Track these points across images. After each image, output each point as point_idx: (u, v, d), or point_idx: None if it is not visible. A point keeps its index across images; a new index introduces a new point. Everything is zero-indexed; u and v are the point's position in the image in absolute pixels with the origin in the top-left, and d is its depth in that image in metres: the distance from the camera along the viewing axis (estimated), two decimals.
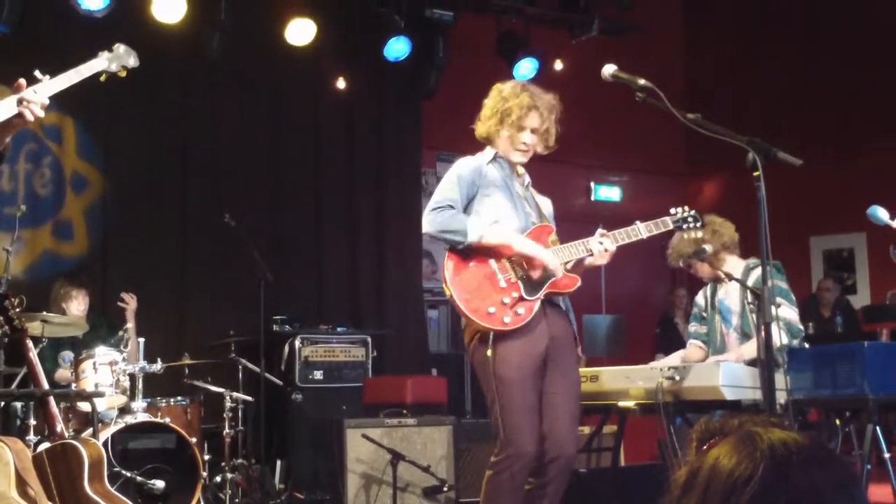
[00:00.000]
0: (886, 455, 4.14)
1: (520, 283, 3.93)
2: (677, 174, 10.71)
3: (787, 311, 4.76)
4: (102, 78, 3.58)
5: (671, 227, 4.20)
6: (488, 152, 4.14)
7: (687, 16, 11.11)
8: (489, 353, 3.84)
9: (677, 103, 3.51)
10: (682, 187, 10.57)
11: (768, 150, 3.33)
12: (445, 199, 3.99)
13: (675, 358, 5.19)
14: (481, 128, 4.15)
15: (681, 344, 8.90)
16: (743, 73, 10.33)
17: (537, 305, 3.90)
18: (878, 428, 4.08)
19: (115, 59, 3.60)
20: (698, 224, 4.27)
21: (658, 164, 10.52)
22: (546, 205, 4.25)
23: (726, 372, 4.28)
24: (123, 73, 3.63)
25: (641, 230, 4.07)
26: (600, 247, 4.00)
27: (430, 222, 3.99)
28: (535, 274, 3.93)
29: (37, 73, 3.28)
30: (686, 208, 4.27)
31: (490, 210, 4.01)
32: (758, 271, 4.87)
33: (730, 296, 5.00)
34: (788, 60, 10.01)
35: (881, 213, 4.30)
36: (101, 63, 3.57)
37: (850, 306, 9.19)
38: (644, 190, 10.42)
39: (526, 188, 4.20)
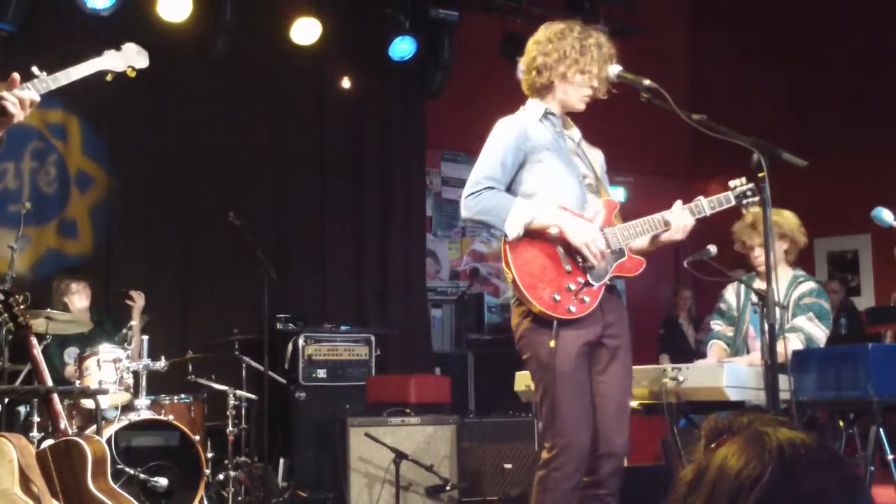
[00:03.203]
0: (890, 457, 4.13)
1: (586, 267, 3.60)
2: (682, 175, 10.70)
3: (814, 329, 4.69)
4: (109, 77, 3.45)
5: (733, 202, 3.74)
6: (536, 108, 3.73)
7: (691, 18, 11.11)
8: (552, 343, 3.50)
9: (681, 105, 3.49)
10: (687, 188, 10.54)
11: (773, 151, 3.32)
12: (485, 179, 3.59)
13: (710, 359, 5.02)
14: (541, 74, 3.68)
15: (685, 345, 8.93)
16: (747, 74, 10.32)
17: (602, 291, 3.60)
18: (881, 430, 4.08)
19: (122, 59, 3.47)
20: (755, 199, 3.73)
21: (663, 165, 10.52)
22: (598, 159, 3.89)
23: (730, 373, 4.27)
24: (133, 74, 3.49)
25: (704, 207, 3.71)
26: (680, 220, 3.66)
27: (468, 207, 3.59)
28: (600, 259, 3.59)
29: (34, 69, 3.15)
30: (744, 180, 3.76)
31: (543, 180, 3.64)
32: (805, 286, 4.83)
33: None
34: (793, 62, 10.00)
35: (885, 215, 4.29)
36: (104, 61, 3.42)
37: (855, 308, 9.18)
38: (648, 191, 10.39)
39: (577, 144, 3.82)
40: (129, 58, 3.50)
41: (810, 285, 4.83)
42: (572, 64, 3.61)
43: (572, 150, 3.76)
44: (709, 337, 5.14)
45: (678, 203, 3.71)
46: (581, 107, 3.73)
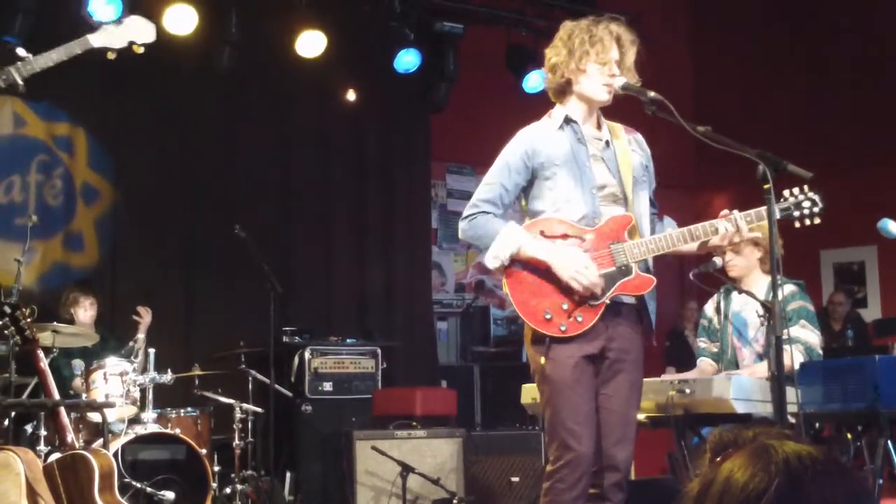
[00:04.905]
0: None
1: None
2: (687, 186, 10.69)
3: (810, 335, 4.66)
4: (111, 55, 3.14)
5: (778, 216, 3.45)
6: (557, 116, 3.68)
7: (694, 28, 11.12)
8: (542, 360, 3.53)
9: (685, 117, 3.49)
10: (692, 200, 10.56)
11: (778, 162, 3.30)
12: (481, 202, 3.63)
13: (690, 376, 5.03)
14: (556, 74, 3.65)
15: (691, 357, 8.87)
16: (751, 84, 10.32)
17: (601, 310, 3.55)
18: (889, 442, 4.07)
19: (123, 33, 3.14)
20: (816, 209, 3.63)
21: (668, 176, 10.41)
22: (635, 159, 3.80)
23: (737, 385, 4.26)
24: (140, 50, 3.18)
25: (739, 222, 3.65)
26: (728, 227, 3.63)
27: (462, 230, 3.66)
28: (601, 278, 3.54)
29: (19, 51, 2.89)
30: (805, 188, 3.59)
31: (550, 198, 3.61)
32: (785, 289, 4.79)
33: (747, 308, 4.80)
34: (797, 72, 10.00)
35: (892, 227, 4.29)
36: (99, 38, 3.12)
37: (861, 320, 9.15)
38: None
39: (606, 145, 3.72)
40: (131, 32, 3.20)
41: (790, 288, 4.77)
42: (583, 55, 3.57)
43: (596, 157, 3.68)
44: (698, 354, 5.12)
45: (723, 213, 3.69)
46: (604, 96, 3.64)
